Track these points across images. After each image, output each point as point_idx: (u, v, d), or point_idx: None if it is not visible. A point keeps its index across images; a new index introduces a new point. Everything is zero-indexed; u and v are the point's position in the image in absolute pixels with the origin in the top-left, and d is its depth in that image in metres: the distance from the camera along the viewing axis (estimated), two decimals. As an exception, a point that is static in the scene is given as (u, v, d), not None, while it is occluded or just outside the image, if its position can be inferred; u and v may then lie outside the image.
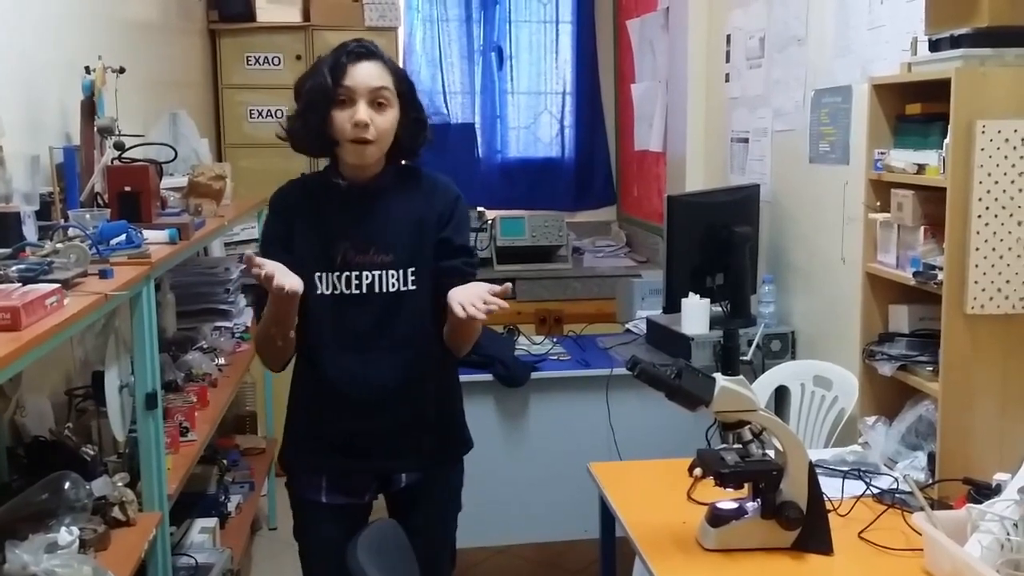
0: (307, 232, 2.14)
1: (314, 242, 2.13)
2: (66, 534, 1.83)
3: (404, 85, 2.13)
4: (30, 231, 2.07)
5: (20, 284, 1.62)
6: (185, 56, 4.60)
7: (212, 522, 3.13)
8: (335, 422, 2.16)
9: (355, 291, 2.12)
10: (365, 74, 2.07)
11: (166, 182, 3.02)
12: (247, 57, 5.10)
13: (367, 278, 2.12)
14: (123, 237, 2.19)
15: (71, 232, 2.11)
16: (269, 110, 5.17)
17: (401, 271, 2.12)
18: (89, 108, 2.56)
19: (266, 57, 5.14)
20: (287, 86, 5.58)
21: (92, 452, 2.25)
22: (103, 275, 1.89)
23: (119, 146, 2.70)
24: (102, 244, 2.07)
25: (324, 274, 2.12)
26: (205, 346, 3.38)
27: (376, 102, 2.07)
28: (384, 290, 2.12)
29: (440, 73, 5.56)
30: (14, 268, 1.73)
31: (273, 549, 4.03)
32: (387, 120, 2.08)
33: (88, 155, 2.56)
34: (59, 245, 1.96)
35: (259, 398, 4.39)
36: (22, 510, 1.90)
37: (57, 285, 1.63)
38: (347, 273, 2.12)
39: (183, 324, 3.60)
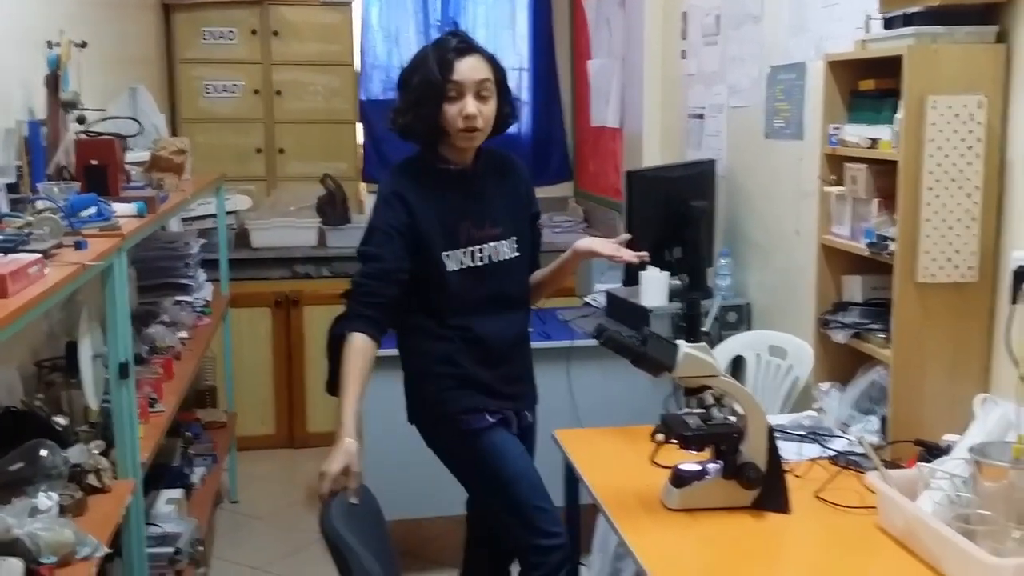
0: (430, 216, 2.32)
1: (437, 224, 2.33)
2: (45, 499, 1.86)
3: (500, 74, 2.35)
4: (1, 203, 2.07)
5: (1, 254, 1.64)
6: (140, 31, 4.56)
7: (178, 493, 3.15)
8: (486, 370, 2.39)
9: (479, 263, 2.37)
10: (470, 68, 2.27)
11: (127, 156, 3.02)
12: (203, 32, 5.07)
13: (486, 250, 2.38)
14: (93, 210, 2.21)
15: (42, 205, 2.12)
16: (225, 85, 5.15)
17: (507, 241, 2.41)
18: (54, 82, 2.55)
19: (221, 32, 5.11)
20: (243, 60, 5.59)
21: (63, 422, 2.27)
22: (78, 246, 1.91)
23: (82, 120, 2.70)
24: (73, 217, 2.09)
25: (451, 252, 2.34)
26: (167, 320, 3.39)
27: (480, 94, 2.27)
28: (500, 259, 2.40)
29: (396, 49, 5.55)
30: (-8, 238, 1.74)
31: (236, 522, 4.05)
32: (491, 109, 2.31)
33: (54, 129, 2.55)
34: (31, 218, 1.97)
35: (219, 372, 4.39)
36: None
37: (39, 255, 1.65)
38: (471, 248, 2.36)
39: (144, 299, 3.60)
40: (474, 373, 2.38)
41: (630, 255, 2.43)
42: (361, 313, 2.28)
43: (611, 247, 2.47)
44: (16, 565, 1.67)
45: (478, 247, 2.37)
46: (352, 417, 2.19)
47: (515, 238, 2.43)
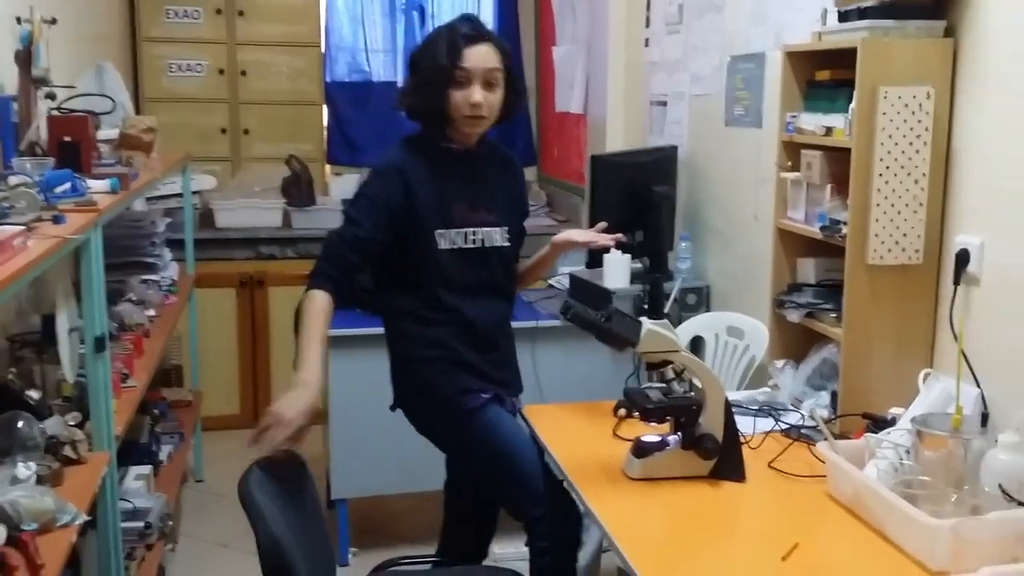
0: (428, 193, 2.35)
1: (434, 202, 2.35)
2: (24, 469, 1.90)
3: (509, 61, 2.37)
4: (-22, 178, 2.10)
5: (-16, 226, 1.68)
6: (104, 8, 4.54)
7: (146, 470, 3.19)
8: (477, 354, 2.42)
9: (470, 245, 2.40)
10: (480, 56, 2.30)
11: (97, 135, 3.03)
12: (167, 10, 5.07)
13: (479, 234, 2.41)
14: (68, 185, 2.24)
15: (15, 180, 2.15)
16: (189, 64, 5.16)
17: (500, 229, 2.44)
18: (26, 58, 2.57)
19: (186, 10, 5.12)
20: (207, 40, 5.59)
21: (36, 396, 2.30)
22: (56, 220, 1.95)
23: (52, 96, 2.72)
24: (49, 192, 2.12)
25: (445, 231, 2.36)
26: (134, 298, 3.41)
27: (488, 82, 2.31)
28: (491, 245, 2.43)
29: (362, 30, 5.58)
30: (-26, 212, 1.78)
31: (201, 500, 4.09)
32: (497, 98, 2.34)
33: (25, 105, 2.57)
34: (8, 193, 2.00)
35: (185, 352, 4.42)
36: (-26, 449, 1.96)
37: (22, 227, 1.69)
38: (464, 230, 2.38)
39: (110, 277, 3.59)
40: (467, 356, 2.41)
41: (606, 239, 2.55)
42: (327, 272, 2.29)
43: (588, 235, 2.59)
44: (-1, 530, 1.72)
45: (472, 229, 2.39)
46: (317, 357, 2.17)
47: (507, 228, 2.46)
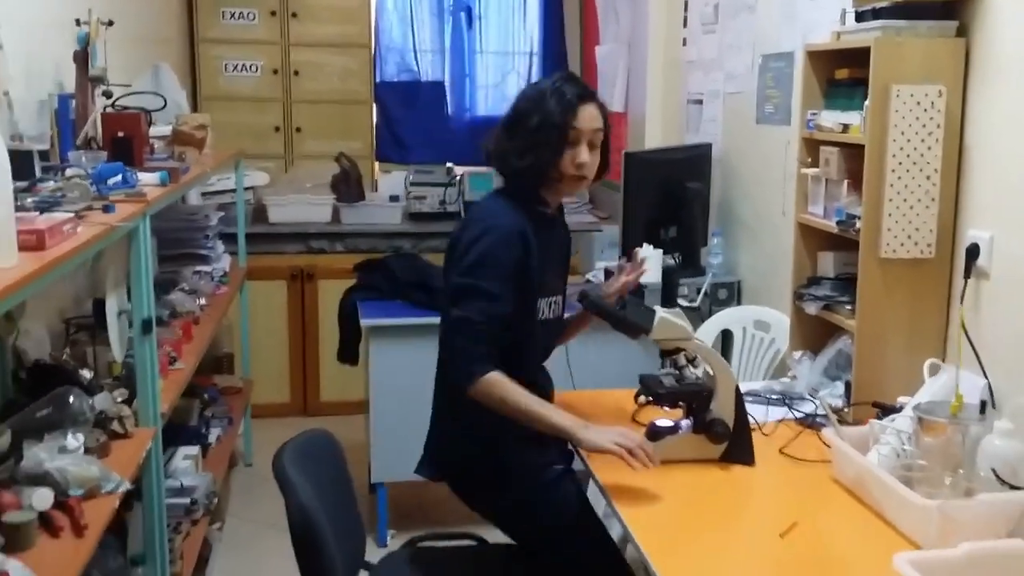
0: (536, 260, 2.24)
1: (538, 270, 2.25)
2: (73, 440, 2.05)
3: (607, 125, 2.31)
4: (35, 168, 2.26)
5: (38, 212, 1.82)
6: (163, 10, 4.74)
7: (194, 450, 3.34)
8: None
9: (551, 316, 2.36)
10: (590, 117, 2.24)
11: (151, 131, 3.20)
12: (223, 12, 5.25)
13: (557, 302, 2.38)
14: (119, 178, 2.39)
15: (71, 172, 2.31)
16: (244, 64, 5.34)
17: (561, 296, 2.41)
18: (83, 58, 2.73)
19: (242, 12, 5.29)
20: (262, 41, 5.76)
21: (88, 375, 2.46)
22: (106, 210, 2.09)
23: (108, 95, 2.89)
24: (101, 183, 2.27)
25: (542, 300, 2.30)
26: (187, 288, 3.58)
27: (592, 142, 2.25)
28: (559, 314, 2.40)
29: (411, 31, 5.73)
30: (30, 200, 1.93)
31: (250, 483, 4.25)
32: (597, 159, 2.28)
33: (83, 102, 2.74)
34: (62, 184, 2.16)
35: (236, 340, 4.59)
36: (30, 422, 2.11)
37: (72, 214, 1.84)
38: (551, 299, 2.34)
39: (165, 268, 3.80)
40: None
41: (631, 276, 2.47)
42: (489, 355, 2.15)
43: (615, 286, 2.48)
44: (47, 494, 1.86)
45: (554, 298, 2.35)
46: (558, 410, 2.16)
47: (563, 295, 2.43)
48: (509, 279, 2.17)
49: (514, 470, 2.28)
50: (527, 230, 2.21)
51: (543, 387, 2.36)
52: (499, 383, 2.12)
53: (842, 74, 2.56)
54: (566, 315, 2.52)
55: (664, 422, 2.28)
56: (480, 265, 2.18)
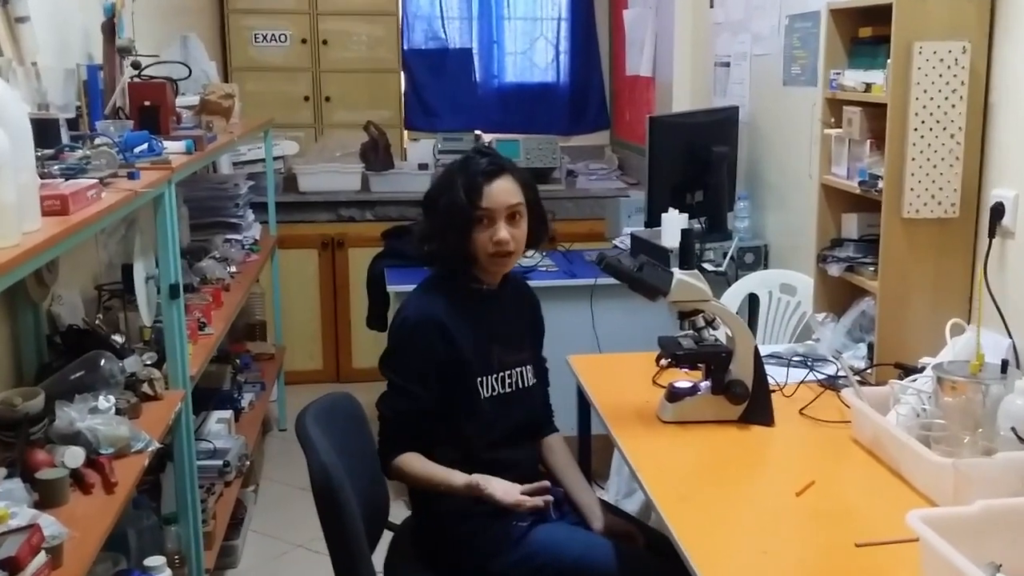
0: (467, 340, 2.19)
1: (473, 349, 2.19)
2: (104, 401, 2.11)
3: (531, 193, 2.22)
4: (63, 136, 2.31)
5: (63, 179, 1.87)
6: (192, -18, 4.78)
7: (227, 414, 3.41)
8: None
9: (508, 389, 2.25)
10: (502, 192, 2.15)
11: (179, 101, 3.25)
12: (252, -19, 5.28)
13: (515, 376, 2.27)
14: (145, 146, 2.43)
15: (98, 140, 2.35)
16: (273, 34, 5.37)
17: (529, 366, 2.31)
18: (111, 29, 2.77)
19: (270, -19, 5.33)
20: (291, 10, 5.78)
21: (120, 340, 2.52)
22: (131, 176, 2.13)
23: (136, 65, 2.93)
24: (127, 151, 2.31)
25: (485, 378, 2.21)
26: (217, 256, 3.64)
27: (511, 217, 2.17)
28: (524, 385, 2.29)
29: (439, -1, 5.72)
30: (56, 167, 1.97)
31: (285, 446, 4.32)
32: (522, 231, 2.21)
33: (110, 72, 2.78)
34: (89, 152, 2.20)
35: (268, 308, 4.65)
36: (63, 384, 2.17)
37: (95, 181, 1.88)
38: (501, 374, 2.24)
39: (196, 236, 3.85)
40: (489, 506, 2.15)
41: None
42: (405, 445, 2.19)
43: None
44: (79, 452, 1.92)
45: (507, 372, 2.25)
46: (463, 476, 2.14)
47: (533, 365, 2.33)
48: (421, 369, 2.17)
49: (469, 556, 2.18)
50: (441, 315, 2.17)
51: (508, 459, 2.23)
52: (407, 463, 2.17)
53: (865, 32, 2.53)
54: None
55: (683, 383, 2.30)
56: (391, 356, 2.23)
